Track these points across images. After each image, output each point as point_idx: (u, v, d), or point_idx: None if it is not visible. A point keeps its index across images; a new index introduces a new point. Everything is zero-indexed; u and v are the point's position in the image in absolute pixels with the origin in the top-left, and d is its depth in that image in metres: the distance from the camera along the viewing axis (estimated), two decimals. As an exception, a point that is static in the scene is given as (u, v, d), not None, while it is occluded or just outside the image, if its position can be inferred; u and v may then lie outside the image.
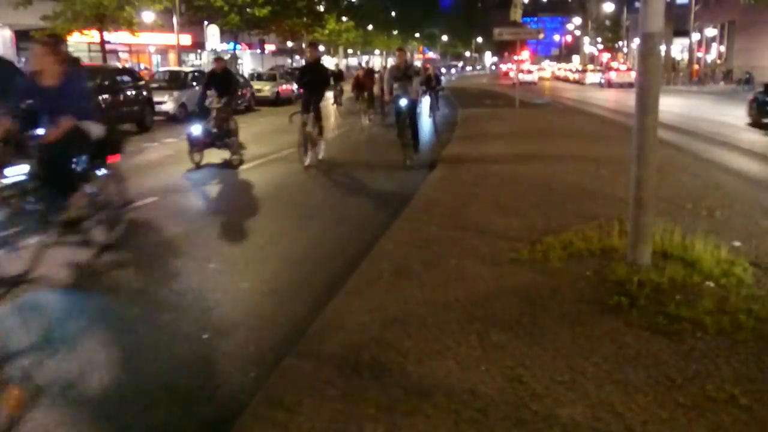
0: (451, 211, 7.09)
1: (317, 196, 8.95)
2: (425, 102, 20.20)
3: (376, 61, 77.44)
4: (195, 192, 9.45)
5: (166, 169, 11.05)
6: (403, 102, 10.89)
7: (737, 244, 5.48)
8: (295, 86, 31.37)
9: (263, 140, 14.68)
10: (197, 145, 11.04)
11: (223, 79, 11.80)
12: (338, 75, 25.16)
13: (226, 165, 11.16)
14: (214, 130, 11.25)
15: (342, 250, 6.13)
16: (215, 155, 11.37)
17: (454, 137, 14.69)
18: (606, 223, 6.01)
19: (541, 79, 59.04)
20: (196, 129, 11.01)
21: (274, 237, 6.74)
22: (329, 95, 24.12)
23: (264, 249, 6.30)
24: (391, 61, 73.21)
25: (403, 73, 11.01)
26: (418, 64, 59.62)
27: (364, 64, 28.72)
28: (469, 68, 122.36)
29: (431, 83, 19.36)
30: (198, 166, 10.95)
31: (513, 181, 8.88)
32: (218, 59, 12.48)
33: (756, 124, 16.82)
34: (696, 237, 5.33)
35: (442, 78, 28.93)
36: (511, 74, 52.87)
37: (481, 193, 8.13)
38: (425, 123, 18.02)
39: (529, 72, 52.69)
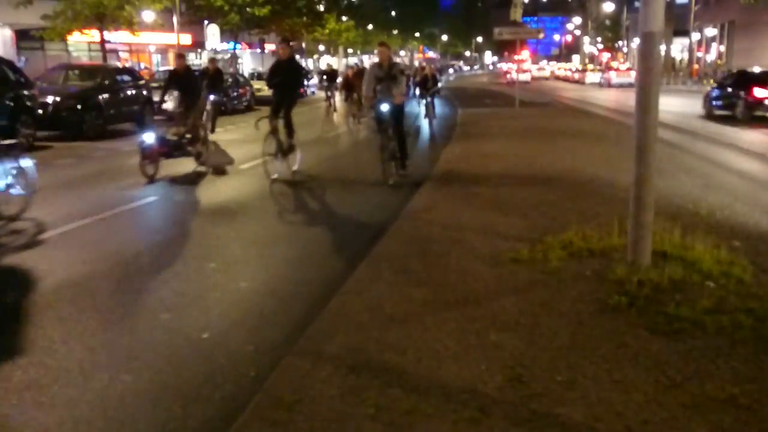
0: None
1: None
2: (417, 105, 19.22)
3: (376, 60, 77.35)
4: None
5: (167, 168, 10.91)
6: (385, 107, 9.15)
7: (737, 243, 5.48)
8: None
9: (254, 143, 14.33)
10: (150, 156, 9.58)
11: (185, 79, 10.66)
12: (331, 75, 24.78)
13: (186, 178, 9.88)
14: (174, 138, 10.06)
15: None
16: (186, 166, 10.26)
17: (450, 143, 13.65)
18: (606, 222, 6.01)
19: (535, 78, 60.01)
20: (149, 137, 9.65)
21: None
22: (321, 95, 23.90)
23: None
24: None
25: (387, 73, 9.26)
26: (416, 63, 59.60)
27: (358, 64, 28.43)
28: (466, 68, 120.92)
29: (427, 84, 18.07)
30: (151, 180, 9.46)
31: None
32: (180, 56, 11.30)
33: (708, 116, 19.58)
34: (696, 236, 5.33)
35: (441, 78, 28.43)
36: (514, 74, 55.28)
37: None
38: (423, 129, 17.26)
39: (524, 71, 53.89)
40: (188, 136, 10.34)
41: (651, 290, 4.34)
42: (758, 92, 17.54)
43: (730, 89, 18.98)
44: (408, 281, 4.81)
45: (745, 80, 18.59)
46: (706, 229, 5.84)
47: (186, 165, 10.35)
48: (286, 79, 9.93)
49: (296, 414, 3.00)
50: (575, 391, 3.16)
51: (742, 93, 18.04)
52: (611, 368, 3.38)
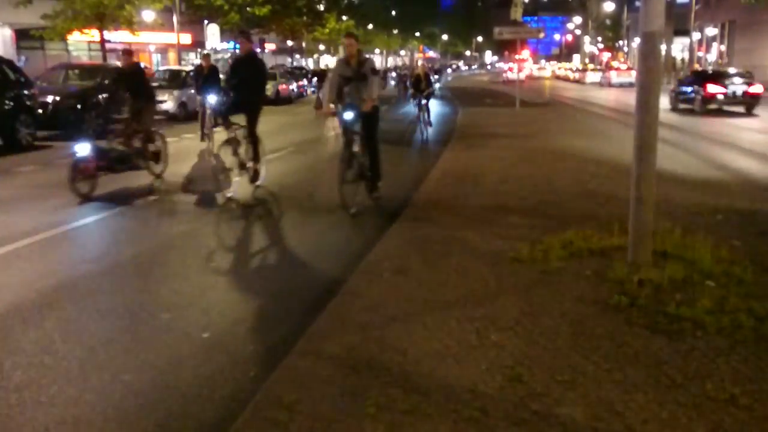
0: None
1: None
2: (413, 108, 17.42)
3: (376, 60, 77.32)
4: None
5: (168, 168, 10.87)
6: (350, 115, 7.34)
7: (737, 243, 5.48)
8: (294, 85, 31.48)
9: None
10: (84, 171, 8.10)
11: (132, 78, 9.42)
12: (322, 75, 24.46)
13: (132, 196, 8.37)
14: (120, 148, 8.84)
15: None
16: (139, 179, 8.95)
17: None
18: (606, 222, 6.00)
19: (534, 77, 64.03)
20: (83, 148, 8.10)
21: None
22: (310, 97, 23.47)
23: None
24: (391, 61, 72.86)
25: (356, 71, 7.44)
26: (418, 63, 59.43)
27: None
28: (464, 67, 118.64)
29: (420, 86, 16.08)
30: (86, 199, 7.96)
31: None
32: (126, 52, 9.87)
33: (673, 109, 22.27)
34: (696, 236, 5.33)
35: (439, 79, 27.41)
36: (509, 74, 59.09)
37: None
38: (416, 136, 15.33)
39: (520, 70, 57.29)
40: (137, 145, 9.12)
41: (651, 290, 4.35)
42: (711, 88, 20.82)
43: (690, 86, 22.08)
44: (408, 281, 4.81)
45: (701, 78, 21.96)
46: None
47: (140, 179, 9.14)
48: (246, 78, 8.24)
49: (296, 414, 2.99)
50: (576, 390, 3.16)
51: (699, 89, 21.16)
52: (612, 368, 3.37)
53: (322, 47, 56.67)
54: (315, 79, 26.78)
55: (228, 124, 8.44)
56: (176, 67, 25.59)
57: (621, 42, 70.39)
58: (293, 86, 30.80)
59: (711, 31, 47.87)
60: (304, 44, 50.67)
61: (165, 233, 6.99)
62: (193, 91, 19.67)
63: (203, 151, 9.09)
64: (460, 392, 3.16)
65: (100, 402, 3.40)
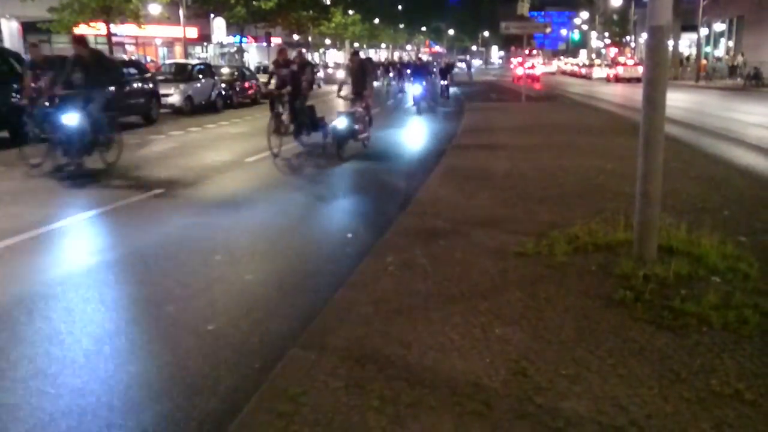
0: None
1: None
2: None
3: (382, 54, 77.30)
4: None
5: (174, 161, 10.98)
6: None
7: (743, 239, 5.46)
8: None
9: (260, 135, 12.96)
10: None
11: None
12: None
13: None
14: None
15: None
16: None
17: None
18: (611, 217, 5.99)
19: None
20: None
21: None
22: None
23: None
24: (396, 56, 72.72)
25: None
26: (424, 57, 59.20)
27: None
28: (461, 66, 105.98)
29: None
30: None
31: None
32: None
33: None
34: (702, 232, 5.31)
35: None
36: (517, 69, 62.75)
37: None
38: None
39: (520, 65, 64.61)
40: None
41: (657, 285, 4.34)
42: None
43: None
44: (413, 274, 4.81)
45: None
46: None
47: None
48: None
49: (301, 406, 3.00)
50: (580, 385, 3.16)
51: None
52: (616, 362, 3.37)
53: (328, 41, 56.62)
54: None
55: None
56: (182, 61, 25.62)
57: (628, 37, 70.15)
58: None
59: (719, 26, 47.65)
60: (310, 38, 50.66)
61: (171, 226, 6.95)
62: (198, 84, 19.80)
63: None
64: (464, 386, 3.16)
65: (105, 392, 3.43)
